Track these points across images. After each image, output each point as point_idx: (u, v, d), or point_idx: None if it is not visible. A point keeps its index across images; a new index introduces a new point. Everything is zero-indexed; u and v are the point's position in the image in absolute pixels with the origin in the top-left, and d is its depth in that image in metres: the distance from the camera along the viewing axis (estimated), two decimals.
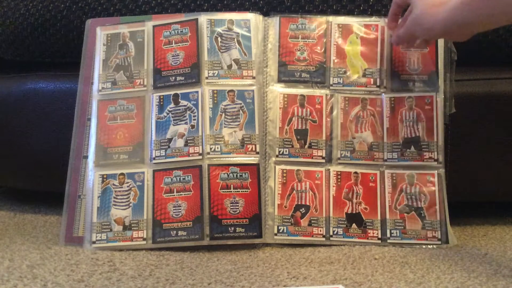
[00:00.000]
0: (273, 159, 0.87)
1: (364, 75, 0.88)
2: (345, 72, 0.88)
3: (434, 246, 0.83)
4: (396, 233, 0.84)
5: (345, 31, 0.89)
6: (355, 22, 0.89)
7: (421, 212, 0.84)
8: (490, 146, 0.91)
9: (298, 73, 0.89)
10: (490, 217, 1.01)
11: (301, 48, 0.89)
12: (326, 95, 0.88)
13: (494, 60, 0.93)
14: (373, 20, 0.89)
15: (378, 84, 0.88)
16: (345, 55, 0.89)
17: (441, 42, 0.87)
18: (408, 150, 0.86)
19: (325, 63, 0.89)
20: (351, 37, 0.89)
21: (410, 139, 0.86)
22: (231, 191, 0.84)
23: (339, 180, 0.86)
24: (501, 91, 0.90)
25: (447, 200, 0.85)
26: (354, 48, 0.89)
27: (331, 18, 0.90)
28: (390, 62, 0.88)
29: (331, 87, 0.88)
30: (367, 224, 0.84)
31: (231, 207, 0.83)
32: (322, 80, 0.89)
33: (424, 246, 0.83)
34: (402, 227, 0.84)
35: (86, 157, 0.87)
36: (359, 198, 0.85)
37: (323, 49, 0.89)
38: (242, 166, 0.85)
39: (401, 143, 0.86)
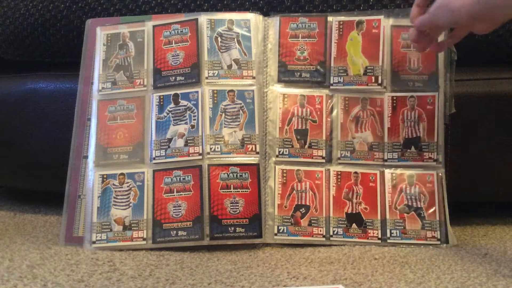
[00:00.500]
0: (273, 159, 0.87)
1: (365, 73, 0.87)
2: (345, 71, 0.88)
3: (432, 246, 0.83)
4: (396, 233, 0.84)
5: (346, 28, 0.89)
6: (357, 19, 0.88)
7: (421, 212, 0.84)
8: (490, 146, 0.91)
9: (298, 73, 0.89)
10: (490, 217, 1.01)
11: (301, 47, 0.89)
12: (326, 95, 0.88)
13: (494, 60, 0.93)
14: (375, 15, 0.88)
15: (379, 81, 0.87)
16: (346, 53, 0.88)
17: None
18: (408, 150, 0.86)
19: (325, 62, 0.89)
20: (352, 34, 0.88)
21: (411, 140, 0.86)
22: (231, 191, 0.84)
23: (339, 180, 0.86)
24: (501, 91, 0.90)
25: (447, 200, 0.85)
26: (355, 45, 0.88)
27: (332, 16, 0.89)
28: (391, 62, 0.88)
29: (331, 87, 0.88)
30: (367, 224, 0.84)
31: (231, 207, 0.83)
32: (323, 80, 0.88)
33: (423, 246, 0.83)
34: (402, 227, 0.84)
35: (86, 157, 0.87)
36: (359, 198, 0.85)
37: (323, 48, 0.89)
38: (242, 166, 0.85)
39: (401, 143, 0.86)
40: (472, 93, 0.90)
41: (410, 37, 0.82)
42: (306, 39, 0.89)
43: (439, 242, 0.83)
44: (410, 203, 0.85)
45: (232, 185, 0.84)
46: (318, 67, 0.88)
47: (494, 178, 0.93)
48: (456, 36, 0.81)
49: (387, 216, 0.85)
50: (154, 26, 0.91)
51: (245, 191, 0.84)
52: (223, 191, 0.84)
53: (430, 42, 0.81)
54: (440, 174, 0.85)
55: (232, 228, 0.83)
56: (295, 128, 0.87)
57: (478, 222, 0.98)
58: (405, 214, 0.85)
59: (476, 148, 0.91)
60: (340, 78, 0.88)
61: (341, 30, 0.89)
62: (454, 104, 0.86)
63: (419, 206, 0.85)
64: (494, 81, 0.90)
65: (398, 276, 0.70)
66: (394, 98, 0.87)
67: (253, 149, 0.86)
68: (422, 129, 0.86)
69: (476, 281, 0.68)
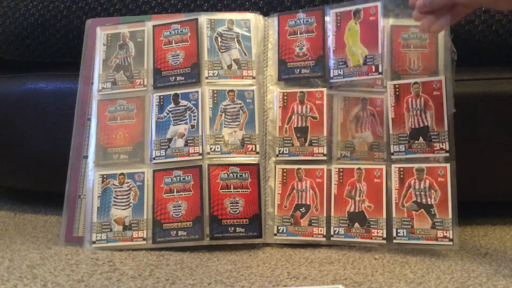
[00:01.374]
0: (273, 159, 0.87)
1: (365, 63, 0.84)
2: (345, 63, 0.86)
3: (445, 248, 0.78)
4: (403, 232, 0.79)
5: (344, 19, 0.87)
6: (354, 8, 0.86)
7: (431, 209, 0.79)
8: (490, 146, 0.91)
9: (298, 69, 0.88)
10: (490, 217, 1.01)
11: (300, 43, 0.88)
12: (327, 90, 0.86)
13: (494, 60, 0.93)
14: (372, 1, 0.85)
15: (380, 70, 0.84)
16: (345, 44, 0.86)
17: (441, 42, 0.87)
18: (416, 141, 0.82)
19: (324, 55, 0.87)
20: (350, 24, 0.86)
21: (418, 130, 0.82)
22: (231, 191, 0.84)
23: (341, 177, 0.84)
24: (501, 91, 0.90)
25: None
26: (353, 35, 0.86)
27: (328, 8, 0.88)
28: (391, 62, 0.87)
29: (331, 80, 0.86)
30: (371, 223, 0.81)
31: (231, 207, 0.83)
32: (323, 74, 0.87)
33: (433, 248, 0.79)
34: (410, 226, 0.79)
35: (86, 157, 0.87)
36: (362, 196, 0.83)
37: (322, 42, 0.88)
38: (242, 166, 0.85)
39: (408, 135, 0.82)
40: (472, 93, 0.90)
41: (414, 16, 0.78)
42: (304, 34, 0.89)
43: (451, 243, 0.77)
44: (419, 200, 0.80)
45: (232, 185, 0.84)
46: (318, 62, 0.87)
47: (494, 178, 0.93)
48: (460, 12, 0.77)
49: (394, 215, 0.80)
50: (154, 26, 0.91)
51: (245, 191, 0.84)
52: (223, 191, 0.84)
53: (432, 22, 0.77)
54: (453, 167, 0.79)
55: (232, 228, 0.83)
56: (295, 126, 0.87)
57: (478, 222, 0.98)
58: (413, 212, 0.80)
59: (476, 148, 0.91)
60: (340, 71, 0.86)
61: (338, 21, 0.87)
62: (454, 104, 0.86)
63: (429, 203, 0.79)
64: (494, 81, 0.90)
65: (398, 276, 0.70)
66: (397, 86, 0.83)
67: (253, 149, 0.86)
68: (429, 117, 0.81)
69: (476, 281, 0.68)
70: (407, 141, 0.82)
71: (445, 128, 0.80)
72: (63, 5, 0.98)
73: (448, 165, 0.79)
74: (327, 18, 0.88)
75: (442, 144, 0.80)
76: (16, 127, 1.00)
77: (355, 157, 0.86)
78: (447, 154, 0.80)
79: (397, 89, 0.84)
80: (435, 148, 0.81)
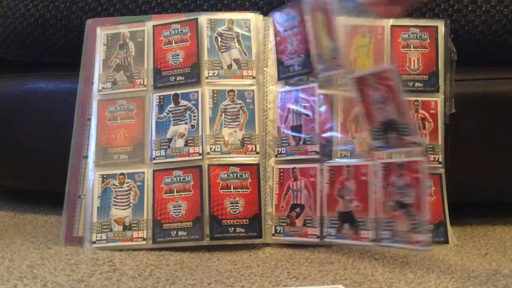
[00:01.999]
0: (273, 159, 0.87)
1: (333, 57, 0.80)
2: (321, 57, 0.82)
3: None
4: (387, 234, 0.75)
5: (314, 9, 0.82)
6: None
7: (409, 210, 0.72)
8: (490, 146, 0.91)
9: (292, 67, 0.88)
10: (490, 217, 1.01)
11: (291, 40, 0.87)
12: (319, 85, 0.85)
13: (494, 60, 0.93)
14: None
15: (340, 64, 0.79)
16: (319, 37, 0.83)
17: (441, 42, 0.87)
18: (388, 135, 0.74)
19: (309, 50, 0.85)
20: (319, 15, 0.82)
21: (387, 123, 0.74)
22: (231, 191, 0.84)
23: (332, 176, 0.82)
24: (501, 91, 0.90)
25: (447, 200, 0.85)
26: (322, 26, 0.81)
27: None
28: (390, 62, 0.87)
29: (318, 75, 0.84)
30: (359, 223, 0.78)
31: (231, 207, 0.83)
32: (310, 70, 0.85)
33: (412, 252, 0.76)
34: (392, 228, 0.74)
35: (86, 157, 0.87)
36: (351, 195, 0.80)
37: (307, 36, 0.85)
38: (242, 166, 0.85)
39: (380, 128, 0.75)
40: (472, 93, 0.90)
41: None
42: (294, 29, 0.86)
43: (430, 248, 0.72)
44: (399, 199, 0.73)
45: (232, 185, 0.84)
46: (306, 57, 0.85)
47: (494, 178, 0.93)
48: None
49: (380, 215, 0.76)
50: (154, 26, 0.91)
51: (245, 191, 0.84)
52: (223, 191, 0.84)
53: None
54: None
55: (232, 228, 0.83)
56: (290, 125, 0.87)
57: (478, 222, 0.98)
58: (394, 213, 0.74)
59: (476, 148, 0.91)
60: (322, 65, 0.83)
61: (314, 12, 0.82)
62: (454, 104, 0.86)
63: (408, 202, 0.72)
64: (494, 81, 0.90)
65: (398, 276, 0.70)
66: (356, 80, 0.75)
67: (253, 149, 0.86)
68: (391, 108, 0.72)
69: (476, 281, 0.68)
70: (382, 136, 0.76)
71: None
72: (63, 5, 0.98)
73: (423, 159, 0.72)
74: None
75: (412, 137, 0.72)
76: (16, 127, 1.00)
77: (355, 157, 0.86)
78: (419, 148, 0.73)
79: (358, 83, 0.76)
80: (406, 141, 0.73)
